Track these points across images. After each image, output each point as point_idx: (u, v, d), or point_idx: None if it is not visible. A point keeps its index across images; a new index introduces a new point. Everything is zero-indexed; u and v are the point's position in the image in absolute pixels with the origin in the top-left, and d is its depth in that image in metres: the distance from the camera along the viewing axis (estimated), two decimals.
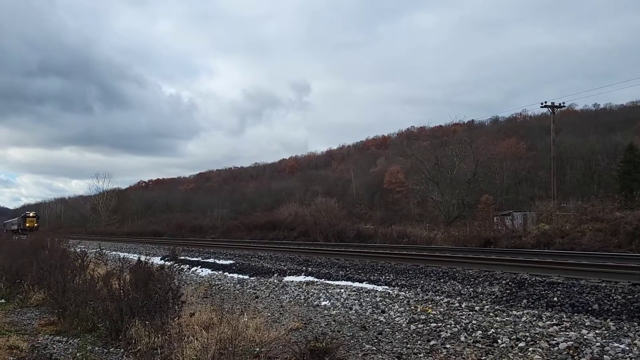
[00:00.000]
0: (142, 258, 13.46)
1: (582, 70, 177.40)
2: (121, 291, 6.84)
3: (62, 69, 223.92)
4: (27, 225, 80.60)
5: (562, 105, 38.78)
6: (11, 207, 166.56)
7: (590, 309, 6.68)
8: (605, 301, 6.81)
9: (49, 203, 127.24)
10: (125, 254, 22.50)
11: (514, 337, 5.80)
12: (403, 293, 8.93)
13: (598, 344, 5.34)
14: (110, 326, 6.57)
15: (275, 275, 12.46)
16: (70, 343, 6.66)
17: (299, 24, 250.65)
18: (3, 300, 10.46)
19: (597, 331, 5.79)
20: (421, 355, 5.59)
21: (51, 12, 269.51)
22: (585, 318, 6.36)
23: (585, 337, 5.60)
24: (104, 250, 21.82)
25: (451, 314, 7.11)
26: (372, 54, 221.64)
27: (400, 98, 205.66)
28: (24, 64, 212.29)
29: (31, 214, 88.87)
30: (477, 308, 7.38)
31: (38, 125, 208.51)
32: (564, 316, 6.53)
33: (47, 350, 6.32)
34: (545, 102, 37.94)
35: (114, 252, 23.58)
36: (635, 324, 5.94)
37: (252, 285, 11.59)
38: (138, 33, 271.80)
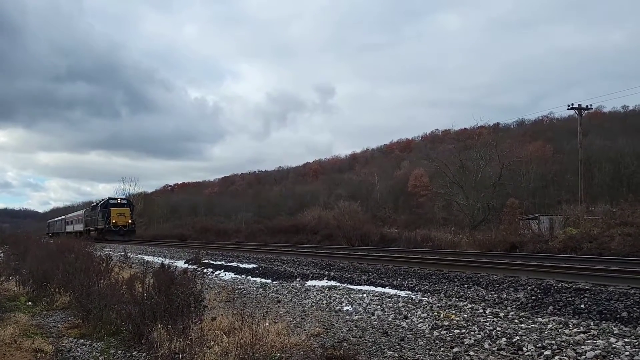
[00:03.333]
0: (166, 262, 13.61)
1: (611, 71, 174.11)
2: (144, 295, 6.90)
3: (90, 74, 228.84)
4: (114, 221, 45.55)
5: (589, 107, 38.08)
6: (40, 211, 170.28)
7: (618, 316, 6.50)
8: (635, 309, 6.62)
9: (77, 206, 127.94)
10: (150, 257, 22.76)
11: (540, 345, 5.66)
12: (426, 298, 8.83)
13: (627, 353, 5.19)
14: (133, 330, 6.63)
15: (298, 279, 12.44)
16: (93, 346, 6.74)
17: (323, 26, 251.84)
18: (30, 303, 10.65)
19: (626, 340, 5.62)
20: None
21: (79, 18, 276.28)
22: (614, 326, 6.19)
23: (613, 345, 5.44)
24: (128, 254, 22.12)
25: (475, 321, 6.99)
26: (397, 57, 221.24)
27: (426, 101, 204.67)
28: (53, 69, 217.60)
29: (119, 200, 50.74)
30: (501, 314, 7.25)
31: (67, 130, 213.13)
32: (592, 324, 6.37)
33: (70, 354, 6.41)
34: (572, 104, 37.32)
35: (139, 256, 23.87)
36: None
37: (275, 289, 11.59)
38: (164, 38, 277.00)
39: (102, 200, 51.52)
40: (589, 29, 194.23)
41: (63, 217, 75.43)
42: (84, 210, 61.28)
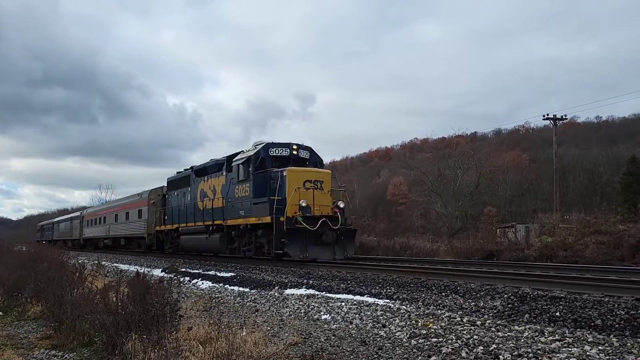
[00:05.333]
0: (142, 270, 13.40)
1: (585, 82, 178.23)
2: (118, 304, 6.78)
3: (67, 79, 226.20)
4: (305, 205, 16.41)
5: (564, 117, 38.87)
6: (14, 218, 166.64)
7: (593, 324, 6.58)
8: (609, 316, 6.71)
9: (52, 214, 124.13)
10: (126, 265, 22.42)
11: (516, 353, 5.69)
12: (404, 307, 8.84)
13: None
14: (107, 340, 6.49)
15: (276, 288, 12.37)
16: (65, 358, 6.59)
17: (304, 34, 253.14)
18: (0, 313, 10.39)
19: (600, 347, 5.69)
20: None
21: (55, 22, 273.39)
22: (588, 334, 6.27)
23: (588, 353, 5.50)
24: (103, 262, 21.75)
25: (452, 329, 7.01)
26: (377, 65, 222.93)
27: (405, 109, 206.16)
28: (28, 73, 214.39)
29: (294, 149, 18.59)
30: (478, 323, 7.28)
31: (42, 136, 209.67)
32: (567, 332, 6.44)
33: None
34: (548, 115, 38.03)
35: (115, 264, 23.50)
36: (639, 340, 5.85)
37: (253, 298, 11.50)
38: (142, 43, 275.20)
39: (248, 151, 19.45)
40: (565, 41, 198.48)
41: (76, 213, 48.96)
42: (142, 193, 30.87)
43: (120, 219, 34.00)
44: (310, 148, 19.54)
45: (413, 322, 7.68)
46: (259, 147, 18.59)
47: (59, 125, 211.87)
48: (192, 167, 24.38)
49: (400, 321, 7.80)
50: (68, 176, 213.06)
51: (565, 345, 5.88)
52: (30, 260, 12.62)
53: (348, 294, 10.69)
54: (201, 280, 15.46)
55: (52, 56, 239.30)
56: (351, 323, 8.18)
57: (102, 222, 37.90)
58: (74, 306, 7.55)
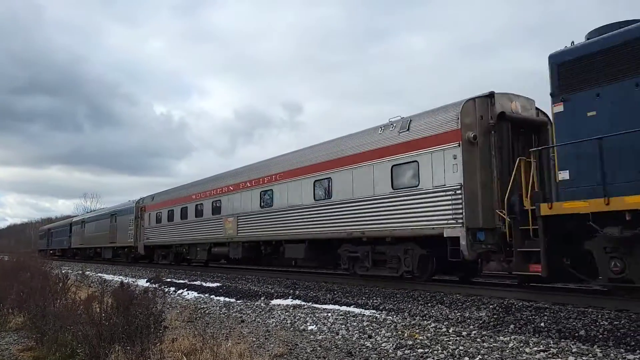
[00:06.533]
0: (128, 280, 13.27)
1: None
2: (102, 315, 6.69)
3: (51, 87, 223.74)
4: None
5: None
6: None
7: (577, 334, 6.63)
8: (592, 327, 6.77)
9: (35, 223, 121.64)
10: (110, 276, 22.19)
11: None
12: (390, 317, 8.83)
13: None
14: (90, 352, 6.40)
15: (263, 298, 12.31)
16: None
17: (291, 44, 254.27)
18: None
19: (584, 358, 5.73)
20: None
21: (39, 30, 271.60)
22: (572, 344, 6.31)
23: None
24: (87, 272, 21.51)
25: (438, 340, 7.02)
26: (364, 75, 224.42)
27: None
28: (12, 80, 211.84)
29: None
30: (464, 333, 7.30)
31: (26, 144, 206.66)
32: (551, 342, 6.47)
33: None
34: None
35: (99, 274, 23.23)
36: (622, 350, 5.90)
37: (239, 308, 11.43)
38: (129, 51, 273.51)
39: None
40: (547, 52, 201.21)
41: (126, 204, 31.25)
42: (411, 119, 11.93)
43: (287, 198, 16.03)
44: None
45: (399, 332, 7.68)
46: None
47: (44, 133, 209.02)
48: None
49: (387, 332, 7.80)
50: (52, 185, 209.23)
51: (550, 355, 5.91)
52: (13, 270, 12.44)
53: (334, 304, 10.67)
54: (187, 290, 15.34)
55: (37, 63, 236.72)
56: (337, 334, 8.16)
57: (199, 213, 21.83)
58: (57, 317, 7.44)
